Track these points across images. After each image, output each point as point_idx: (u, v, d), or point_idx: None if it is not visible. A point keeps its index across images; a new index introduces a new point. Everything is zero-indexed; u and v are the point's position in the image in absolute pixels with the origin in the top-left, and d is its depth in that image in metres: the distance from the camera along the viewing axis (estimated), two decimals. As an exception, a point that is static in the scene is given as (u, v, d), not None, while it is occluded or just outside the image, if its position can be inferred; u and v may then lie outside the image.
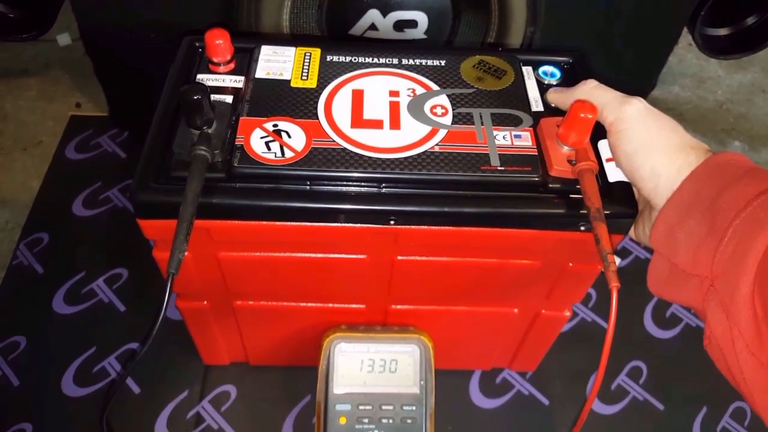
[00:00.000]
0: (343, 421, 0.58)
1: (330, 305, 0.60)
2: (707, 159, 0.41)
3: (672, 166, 0.42)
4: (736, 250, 0.37)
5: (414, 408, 0.58)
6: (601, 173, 0.48)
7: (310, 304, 0.60)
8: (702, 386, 0.75)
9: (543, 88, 0.54)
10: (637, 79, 0.91)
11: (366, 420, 0.58)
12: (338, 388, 0.58)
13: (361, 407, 0.58)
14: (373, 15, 0.78)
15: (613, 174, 0.47)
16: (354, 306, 0.60)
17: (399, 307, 0.60)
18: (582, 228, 0.47)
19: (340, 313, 0.61)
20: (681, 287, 0.42)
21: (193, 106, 0.44)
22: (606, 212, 0.43)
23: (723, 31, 0.96)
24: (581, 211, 0.46)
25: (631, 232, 0.49)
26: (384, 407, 0.58)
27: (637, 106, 0.45)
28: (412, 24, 0.79)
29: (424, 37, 0.80)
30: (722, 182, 0.39)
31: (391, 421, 0.58)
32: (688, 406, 0.73)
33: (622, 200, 0.46)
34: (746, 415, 0.72)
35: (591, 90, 0.47)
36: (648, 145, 0.43)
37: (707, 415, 0.72)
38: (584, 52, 0.58)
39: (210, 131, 0.46)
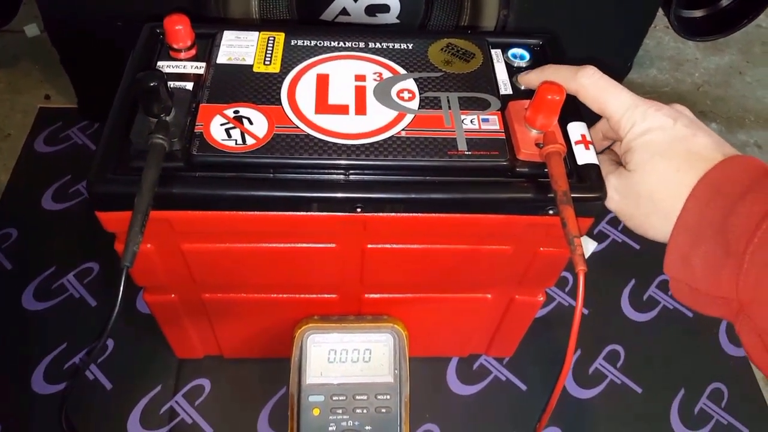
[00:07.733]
0: (316, 412, 0.57)
1: (302, 296, 0.59)
2: (702, 178, 0.40)
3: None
4: (759, 279, 0.37)
5: (389, 397, 0.58)
6: (570, 156, 0.47)
7: (281, 296, 0.59)
8: (679, 368, 0.75)
9: (512, 70, 0.53)
10: (612, 61, 0.90)
11: (340, 411, 0.57)
12: (311, 379, 0.57)
13: (334, 398, 0.57)
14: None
15: (582, 157, 0.47)
16: (326, 296, 0.59)
17: (372, 296, 0.59)
18: (551, 212, 0.46)
19: (312, 303, 0.60)
20: (707, 304, 0.42)
21: (149, 93, 0.43)
22: (574, 195, 0.43)
23: (698, 13, 0.95)
24: (549, 195, 0.45)
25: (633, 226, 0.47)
26: (358, 397, 0.57)
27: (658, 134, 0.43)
28: (384, 8, 0.77)
29: (397, 21, 0.78)
30: (725, 203, 0.39)
31: (365, 411, 0.57)
32: (665, 388, 0.73)
33: (591, 183, 0.46)
34: (723, 396, 0.73)
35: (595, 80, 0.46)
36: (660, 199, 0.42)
37: (685, 397, 0.73)
38: (555, 34, 0.57)
39: (168, 119, 0.44)
